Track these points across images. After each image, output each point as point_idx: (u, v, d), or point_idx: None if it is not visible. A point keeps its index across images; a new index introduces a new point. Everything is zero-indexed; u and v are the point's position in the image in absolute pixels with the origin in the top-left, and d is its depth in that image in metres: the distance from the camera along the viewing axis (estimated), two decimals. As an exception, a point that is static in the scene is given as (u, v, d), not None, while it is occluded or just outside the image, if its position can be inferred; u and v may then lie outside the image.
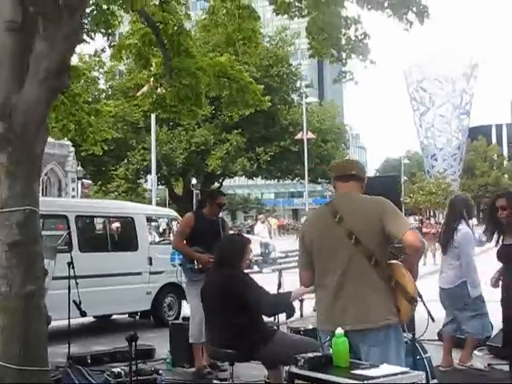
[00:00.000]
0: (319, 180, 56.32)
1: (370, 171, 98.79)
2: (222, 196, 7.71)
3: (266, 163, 48.17)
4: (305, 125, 40.93)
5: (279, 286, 6.84)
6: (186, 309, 11.33)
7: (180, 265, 7.88)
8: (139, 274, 11.05)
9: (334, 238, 3.83)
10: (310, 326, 6.46)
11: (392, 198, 10.50)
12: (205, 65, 10.77)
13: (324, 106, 55.16)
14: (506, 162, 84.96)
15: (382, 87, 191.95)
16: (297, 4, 9.49)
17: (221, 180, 52.31)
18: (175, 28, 10.24)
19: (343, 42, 9.48)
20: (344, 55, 9.70)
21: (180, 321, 9.08)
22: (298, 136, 42.64)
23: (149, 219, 13.49)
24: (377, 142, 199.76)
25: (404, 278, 3.76)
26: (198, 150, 44.74)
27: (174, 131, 44.19)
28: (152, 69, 10.76)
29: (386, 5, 8.63)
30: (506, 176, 79.58)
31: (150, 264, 11.18)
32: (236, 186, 79.68)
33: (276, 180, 55.34)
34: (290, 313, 5.40)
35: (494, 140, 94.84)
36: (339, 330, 3.45)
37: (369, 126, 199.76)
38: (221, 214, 8.05)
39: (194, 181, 44.79)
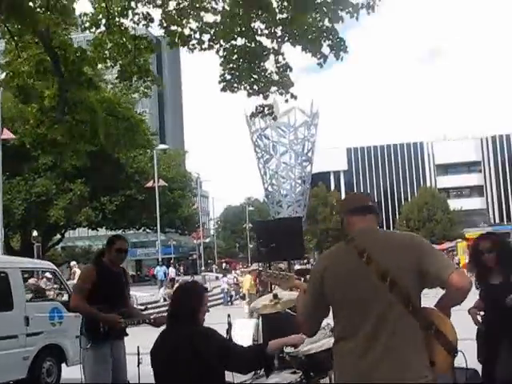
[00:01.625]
0: (166, 229, 56.49)
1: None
2: (123, 240, 6.81)
3: (111, 213, 47.68)
4: (156, 173, 41.20)
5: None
6: (65, 373, 11.14)
7: (79, 332, 6.54)
8: (14, 336, 10.07)
9: (363, 281, 3.32)
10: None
11: (297, 240, 11.18)
12: (93, 100, 10.15)
13: (169, 154, 55.80)
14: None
15: (224, 133, 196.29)
16: (196, 36, 9.29)
17: (63, 231, 50.94)
18: (77, 54, 9.49)
19: (261, 74, 9.27)
20: (261, 88, 9.34)
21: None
22: (149, 184, 42.70)
23: (24, 273, 12.46)
24: (217, 189, 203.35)
25: (445, 325, 3.38)
26: (39, 200, 43.44)
27: (12, 181, 42.59)
28: (45, 102, 9.75)
29: (298, 38, 8.59)
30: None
31: (27, 324, 10.27)
32: (77, 237, 77.50)
33: (121, 230, 54.76)
34: (270, 367, 4.77)
35: (332, 186, 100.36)
36: None
37: (209, 173, 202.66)
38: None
39: (34, 233, 43.17)
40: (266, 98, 9.60)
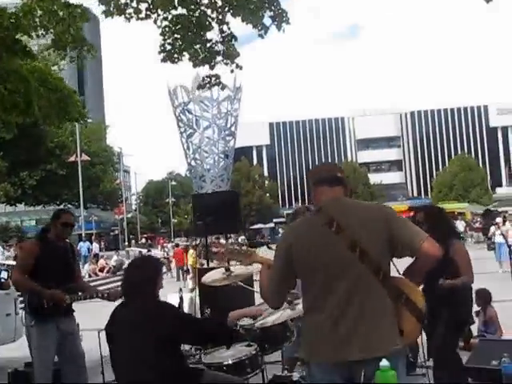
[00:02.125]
0: (88, 205, 55.46)
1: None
2: (69, 214, 6.59)
3: (31, 188, 46.45)
4: (78, 147, 40.23)
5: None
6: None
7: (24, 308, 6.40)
8: None
9: (332, 251, 3.29)
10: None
11: (232, 214, 11.12)
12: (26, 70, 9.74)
13: (90, 128, 54.65)
14: (267, 182, 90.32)
15: (146, 107, 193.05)
16: (133, 5, 9.03)
17: (-21, 208, 49.38)
18: (11, 20, 9.08)
19: (205, 43, 9.12)
20: (206, 57, 9.19)
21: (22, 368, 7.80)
22: (72, 158, 41.67)
23: None
24: (139, 163, 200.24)
25: (415, 293, 3.41)
26: (-46, 175, 41.88)
27: None
28: None
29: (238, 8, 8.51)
30: (268, 195, 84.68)
31: None
32: (-8, 213, 75.13)
33: (41, 206, 53.40)
34: (226, 341, 4.70)
35: (255, 161, 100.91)
36: (385, 362, 2.95)
37: (131, 147, 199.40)
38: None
39: None
40: (212, 68, 9.46)
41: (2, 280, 11.11)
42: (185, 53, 9.06)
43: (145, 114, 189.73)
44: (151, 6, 9.53)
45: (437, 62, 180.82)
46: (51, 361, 6.19)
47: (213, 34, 9.12)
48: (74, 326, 6.48)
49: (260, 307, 4.66)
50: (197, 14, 8.71)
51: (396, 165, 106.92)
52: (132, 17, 9.50)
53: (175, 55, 9.09)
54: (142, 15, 9.53)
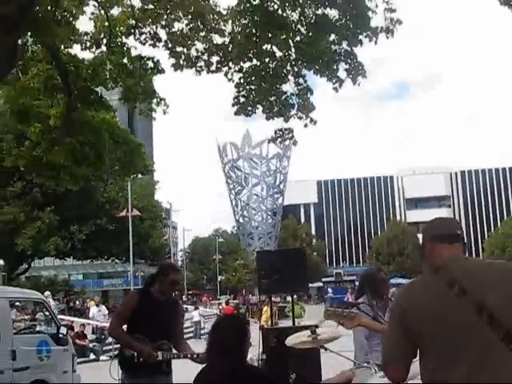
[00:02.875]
0: (136, 260, 55.62)
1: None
2: (177, 271, 6.44)
3: (80, 242, 46.83)
4: (130, 202, 40.59)
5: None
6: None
7: (115, 356, 6.34)
8: (0, 372, 9.16)
9: (455, 315, 2.94)
10: None
11: (300, 272, 10.76)
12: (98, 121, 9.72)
13: (139, 183, 55.25)
14: (314, 241, 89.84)
15: (195, 164, 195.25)
16: (204, 58, 8.98)
17: (30, 260, 49.85)
18: (89, 71, 9.17)
19: (279, 96, 8.91)
20: (281, 110, 8.96)
21: None
22: (122, 213, 42.04)
23: (13, 304, 11.85)
24: (186, 219, 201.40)
25: None
26: (6, 228, 42.42)
27: (-20, 208, 41.64)
28: (50, 121, 9.19)
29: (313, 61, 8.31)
30: (315, 253, 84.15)
31: (14, 359, 9.42)
32: (41, 267, 75.99)
33: (90, 260, 53.79)
34: None
35: (302, 219, 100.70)
36: None
37: (178, 203, 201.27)
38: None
39: (1, 262, 42.08)
40: (286, 120, 9.24)
41: (61, 335, 10.90)
42: (259, 105, 8.89)
43: (194, 170, 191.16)
44: (223, 59, 9.50)
45: (487, 120, 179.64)
46: None
47: (288, 87, 8.95)
48: None
49: (351, 373, 4.26)
50: (273, 66, 8.53)
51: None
52: (203, 70, 9.49)
53: (249, 107, 8.93)
54: (213, 68, 9.51)
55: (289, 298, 26.20)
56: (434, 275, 3.11)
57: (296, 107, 9.00)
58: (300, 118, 9.10)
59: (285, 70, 8.80)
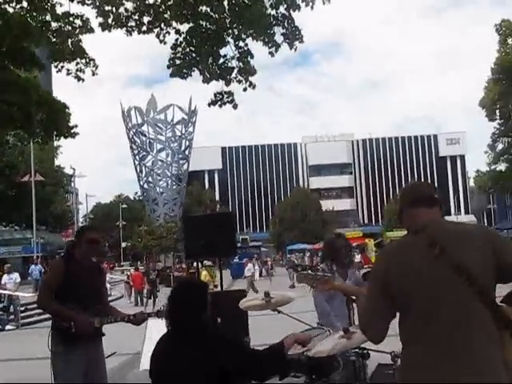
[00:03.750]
0: (37, 227, 54.10)
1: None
2: (93, 230, 6.15)
3: (-22, 209, 45.11)
4: (32, 166, 39.27)
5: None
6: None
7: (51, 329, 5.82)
8: None
9: (435, 276, 3.02)
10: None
11: (228, 236, 10.75)
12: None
13: (40, 147, 53.34)
14: (218, 207, 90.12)
15: (98, 128, 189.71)
16: (135, 17, 8.69)
17: None
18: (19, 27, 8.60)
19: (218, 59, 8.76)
20: (220, 73, 8.83)
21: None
22: (25, 178, 40.64)
23: None
24: (89, 186, 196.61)
25: None
26: None
27: None
28: None
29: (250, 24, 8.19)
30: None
31: None
32: None
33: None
34: (285, 372, 4.39)
35: (207, 185, 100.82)
36: None
37: (81, 168, 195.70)
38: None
39: None
40: (228, 84, 9.11)
41: None
42: (194, 68, 8.76)
43: (97, 136, 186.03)
44: (154, 20, 9.29)
45: (389, 90, 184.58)
46: None
47: (227, 50, 8.85)
48: (102, 352, 6.04)
49: (309, 333, 4.35)
50: (213, 28, 8.40)
51: (347, 192, 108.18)
52: (134, 30, 9.24)
53: (184, 70, 8.77)
54: (144, 28, 9.29)
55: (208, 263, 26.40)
56: (414, 237, 3.19)
57: (236, 70, 8.90)
58: (239, 81, 9.03)
59: (225, 33, 8.63)
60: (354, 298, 5.08)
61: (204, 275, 23.58)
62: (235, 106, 9.32)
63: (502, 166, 46.08)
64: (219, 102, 9.32)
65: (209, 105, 9.25)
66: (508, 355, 3.03)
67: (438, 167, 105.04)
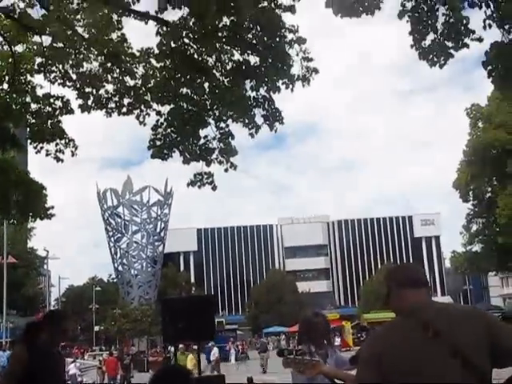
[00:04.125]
0: (7, 310, 52.90)
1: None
2: (68, 319, 5.87)
3: None
4: (5, 248, 38.73)
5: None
6: None
7: None
8: None
9: (430, 360, 2.93)
10: None
11: (208, 320, 10.56)
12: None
13: (13, 228, 52.86)
14: (193, 289, 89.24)
15: (72, 209, 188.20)
16: (115, 99, 8.80)
17: None
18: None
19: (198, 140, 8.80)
20: (201, 154, 8.83)
21: None
22: (-2, 261, 40.05)
23: None
24: (62, 268, 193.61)
25: None
26: None
27: None
28: None
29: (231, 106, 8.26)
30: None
31: None
32: None
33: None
34: None
35: (182, 267, 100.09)
36: None
37: (55, 250, 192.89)
38: None
39: None
40: (208, 164, 9.11)
41: None
42: (175, 149, 8.78)
43: (71, 217, 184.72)
44: (134, 102, 9.38)
45: (363, 170, 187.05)
46: None
47: (208, 131, 8.91)
48: None
49: None
50: (195, 109, 8.48)
51: (323, 273, 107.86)
52: (113, 111, 9.31)
53: (165, 151, 8.78)
54: (124, 110, 9.37)
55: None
56: (406, 319, 3.12)
57: (217, 151, 8.93)
58: (220, 162, 9.06)
59: (206, 114, 8.70)
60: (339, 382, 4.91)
61: (190, 359, 22.85)
62: (214, 188, 9.29)
63: (477, 247, 46.48)
64: (198, 183, 9.29)
65: (188, 185, 9.20)
66: None
67: (413, 248, 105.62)
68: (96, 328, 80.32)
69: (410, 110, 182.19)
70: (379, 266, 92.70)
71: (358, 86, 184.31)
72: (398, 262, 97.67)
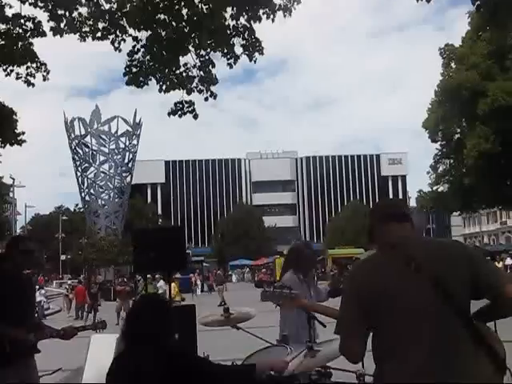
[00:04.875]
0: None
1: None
2: (28, 240, 5.78)
3: None
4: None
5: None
6: None
7: None
8: None
9: (412, 292, 2.94)
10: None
11: (178, 250, 10.54)
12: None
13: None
14: (160, 220, 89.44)
15: (39, 138, 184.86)
16: (89, 23, 8.52)
17: None
18: None
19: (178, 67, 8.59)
20: (180, 82, 8.64)
21: None
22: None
23: None
24: (28, 197, 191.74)
25: (497, 342, 3.07)
26: None
27: None
28: None
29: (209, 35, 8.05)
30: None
31: None
32: None
33: None
34: None
35: (149, 198, 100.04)
36: None
37: (21, 178, 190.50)
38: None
39: None
40: (189, 93, 8.85)
41: None
42: (151, 77, 8.52)
43: (38, 146, 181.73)
44: (109, 26, 9.02)
45: (334, 110, 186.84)
46: None
47: (188, 59, 8.64)
48: (36, 372, 5.66)
49: (285, 360, 4.15)
50: (174, 36, 8.18)
51: (290, 208, 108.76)
52: (88, 36, 8.97)
53: (141, 78, 8.51)
54: (99, 35, 9.03)
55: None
56: (388, 253, 3.12)
57: (197, 80, 8.70)
58: (200, 91, 8.82)
59: (186, 42, 8.42)
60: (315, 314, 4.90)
61: (173, 287, 23.07)
62: (196, 116, 9.03)
63: (443, 187, 47.08)
64: (179, 112, 9.04)
65: (169, 114, 9.03)
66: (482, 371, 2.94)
67: (379, 186, 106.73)
68: (62, 257, 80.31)
69: (382, 48, 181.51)
70: (345, 203, 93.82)
71: (332, 23, 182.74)
72: (364, 199, 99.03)
